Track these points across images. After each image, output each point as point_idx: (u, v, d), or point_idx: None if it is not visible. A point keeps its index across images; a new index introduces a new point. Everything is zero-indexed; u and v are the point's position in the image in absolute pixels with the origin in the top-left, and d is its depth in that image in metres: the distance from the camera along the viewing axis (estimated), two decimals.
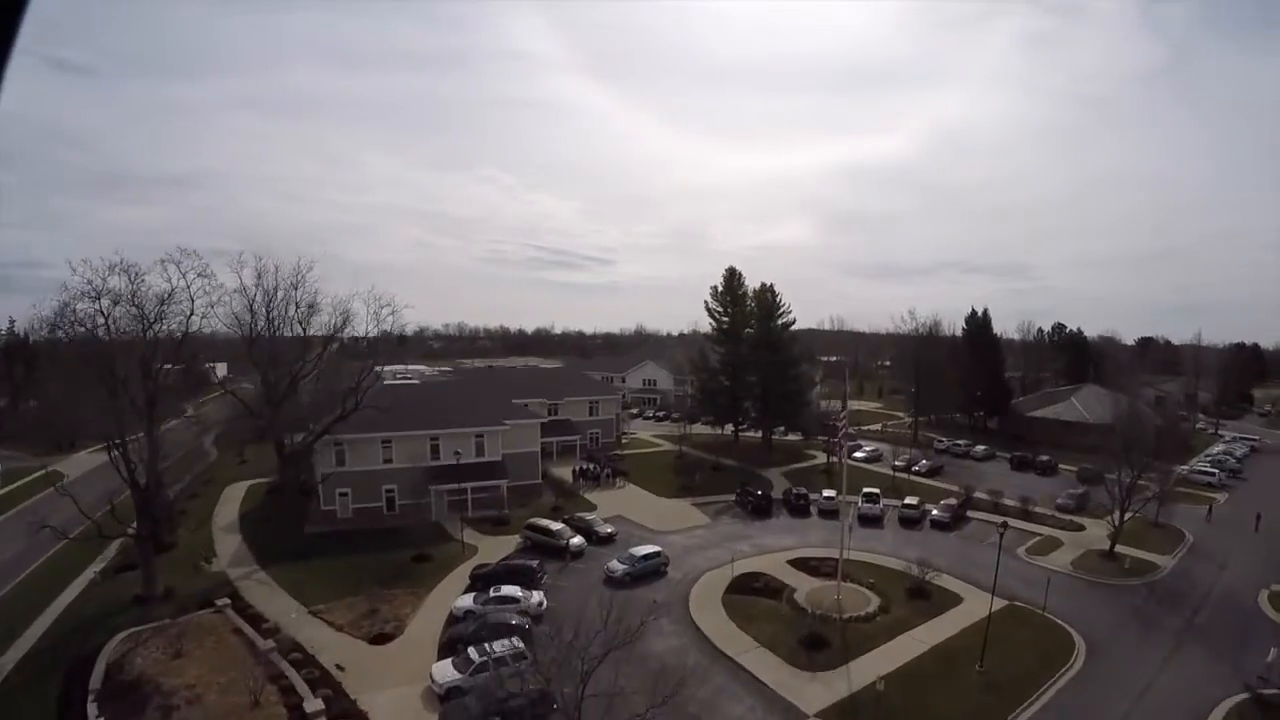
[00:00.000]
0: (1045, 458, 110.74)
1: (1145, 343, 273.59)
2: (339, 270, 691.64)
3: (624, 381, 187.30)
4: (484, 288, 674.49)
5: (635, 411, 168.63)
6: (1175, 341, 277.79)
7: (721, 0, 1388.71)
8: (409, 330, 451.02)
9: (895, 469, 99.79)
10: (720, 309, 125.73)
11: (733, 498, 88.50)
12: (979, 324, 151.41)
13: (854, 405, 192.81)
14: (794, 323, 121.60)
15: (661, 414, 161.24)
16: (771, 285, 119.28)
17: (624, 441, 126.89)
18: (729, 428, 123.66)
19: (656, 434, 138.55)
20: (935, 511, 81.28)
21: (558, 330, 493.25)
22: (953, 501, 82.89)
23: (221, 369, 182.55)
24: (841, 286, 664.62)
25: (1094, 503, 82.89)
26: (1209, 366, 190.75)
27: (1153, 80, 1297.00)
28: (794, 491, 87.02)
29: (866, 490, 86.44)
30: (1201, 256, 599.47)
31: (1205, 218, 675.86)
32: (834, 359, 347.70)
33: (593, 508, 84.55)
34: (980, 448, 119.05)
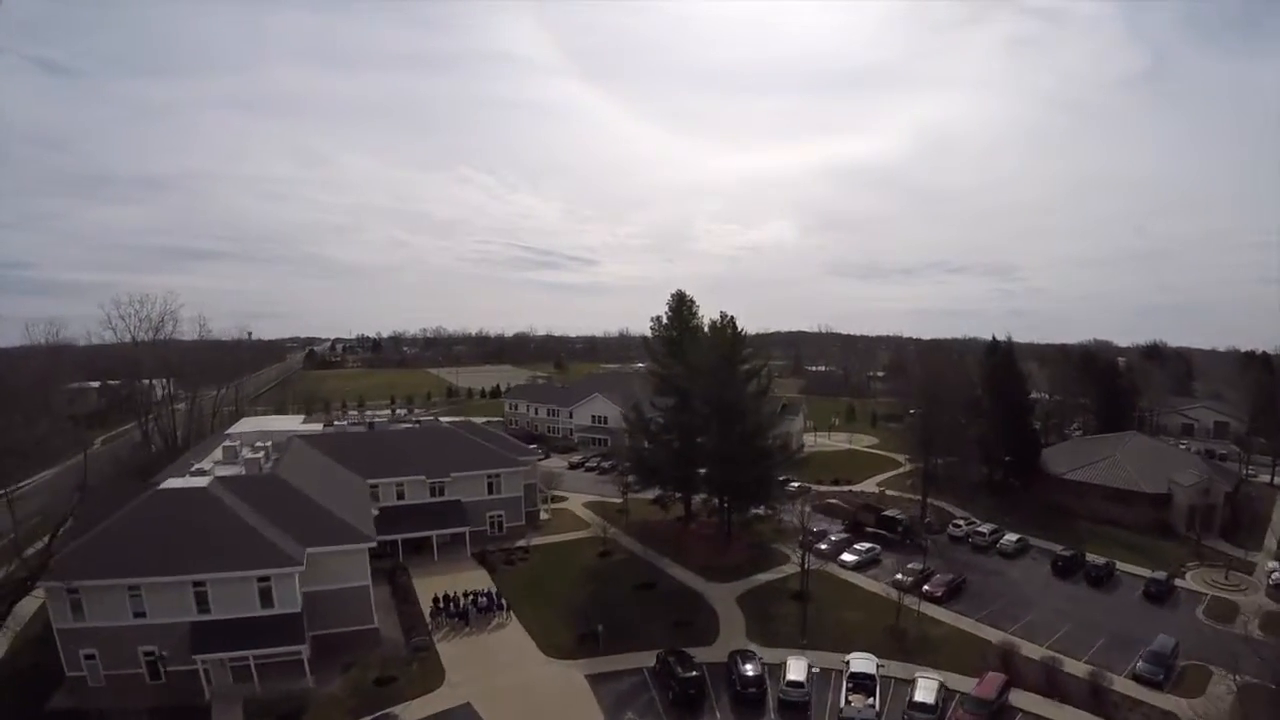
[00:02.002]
0: (1101, 561, 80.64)
1: (1151, 352, 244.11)
2: (322, 270, 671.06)
3: (571, 418, 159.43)
4: (469, 289, 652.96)
5: (577, 460, 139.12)
6: (1170, 344, 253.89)
7: (709, 1, 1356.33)
8: (382, 335, 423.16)
9: (899, 587, 70.09)
10: (664, 349, 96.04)
11: (650, 666, 58.67)
12: (1001, 359, 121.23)
13: (844, 442, 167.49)
14: (762, 371, 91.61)
15: (609, 464, 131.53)
16: (732, 319, 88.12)
17: (540, 520, 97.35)
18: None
19: (591, 499, 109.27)
20: (963, 713, 51.40)
21: (540, 332, 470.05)
22: (989, 696, 52.29)
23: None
24: (828, 286, 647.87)
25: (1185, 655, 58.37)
26: (1226, 380, 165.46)
27: (1135, 84, 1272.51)
28: (742, 668, 56.04)
29: (855, 665, 56.31)
30: (1184, 257, 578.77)
31: (1189, 218, 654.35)
32: (822, 368, 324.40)
33: (432, 681, 56.56)
34: (1010, 538, 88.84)
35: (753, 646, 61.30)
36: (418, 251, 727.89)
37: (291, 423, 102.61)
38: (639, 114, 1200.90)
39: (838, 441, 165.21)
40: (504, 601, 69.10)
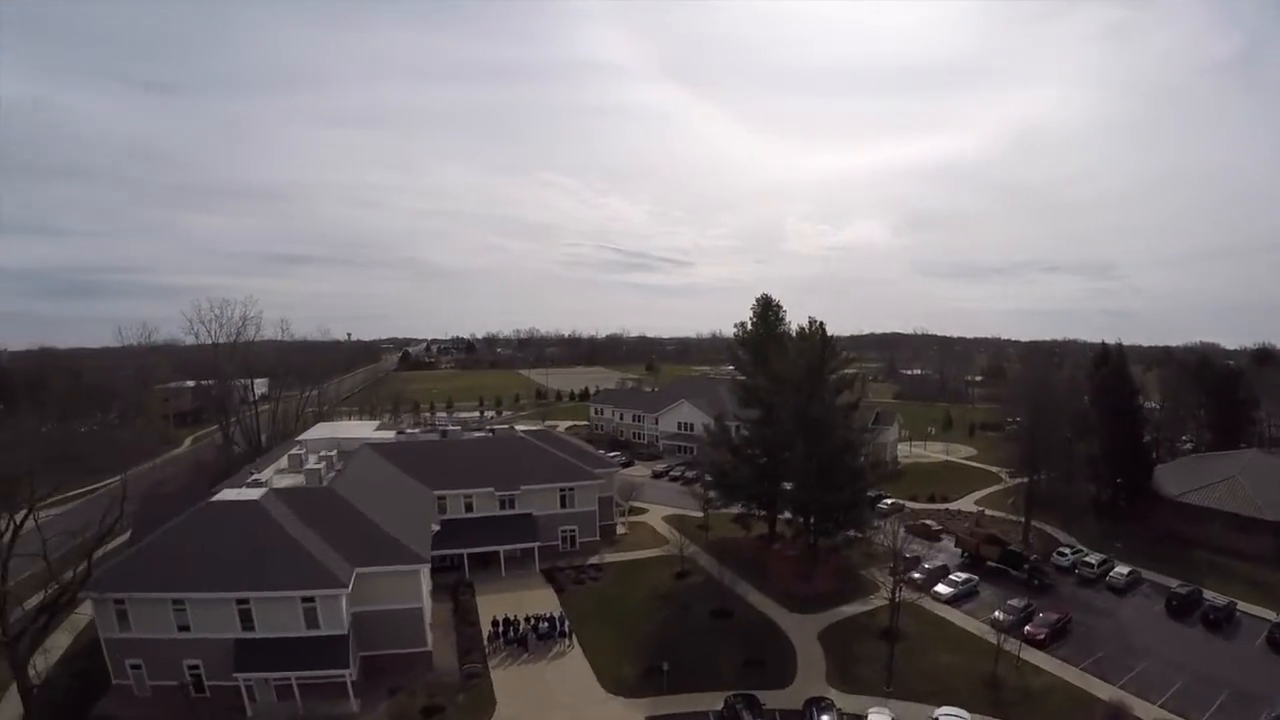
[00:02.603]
0: (1221, 602, 69.97)
1: (1262, 355, 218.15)
2: (419, 273, 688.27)
3: (656, 424, 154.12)
4: (561, 291, 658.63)
5: (660, 469, 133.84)
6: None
7: (794, 4, 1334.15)
8: (476, 337, 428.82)
9: (999, 627, 62.10)
10: (749, 357, 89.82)
11: (718, 710, 52.59)
12: (1112, 367, 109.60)
13: (940, 453, 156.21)
14: (853, 381, 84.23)
15: (692, 474, 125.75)
16: (821, 325, 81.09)
17: (616, 535, 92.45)
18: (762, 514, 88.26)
19: (672, 512, 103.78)
20: None
21: (632, 334, 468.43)
22: None
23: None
24: (920, 287, 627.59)
25: None
26: None
27: (1225, 70, 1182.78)
28: None
29: None
30: None
31: None
32: (918, 372, 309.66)
33: (481, 713, 52.56)
34: (1121, 570, 78.81)
35: (832, 693, 54.91)
36: (511, 255, 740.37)
37: (364, 429, 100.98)
38: (726, 116, 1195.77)
39: (934, 453, 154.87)
40: (567, 627, 64.28)
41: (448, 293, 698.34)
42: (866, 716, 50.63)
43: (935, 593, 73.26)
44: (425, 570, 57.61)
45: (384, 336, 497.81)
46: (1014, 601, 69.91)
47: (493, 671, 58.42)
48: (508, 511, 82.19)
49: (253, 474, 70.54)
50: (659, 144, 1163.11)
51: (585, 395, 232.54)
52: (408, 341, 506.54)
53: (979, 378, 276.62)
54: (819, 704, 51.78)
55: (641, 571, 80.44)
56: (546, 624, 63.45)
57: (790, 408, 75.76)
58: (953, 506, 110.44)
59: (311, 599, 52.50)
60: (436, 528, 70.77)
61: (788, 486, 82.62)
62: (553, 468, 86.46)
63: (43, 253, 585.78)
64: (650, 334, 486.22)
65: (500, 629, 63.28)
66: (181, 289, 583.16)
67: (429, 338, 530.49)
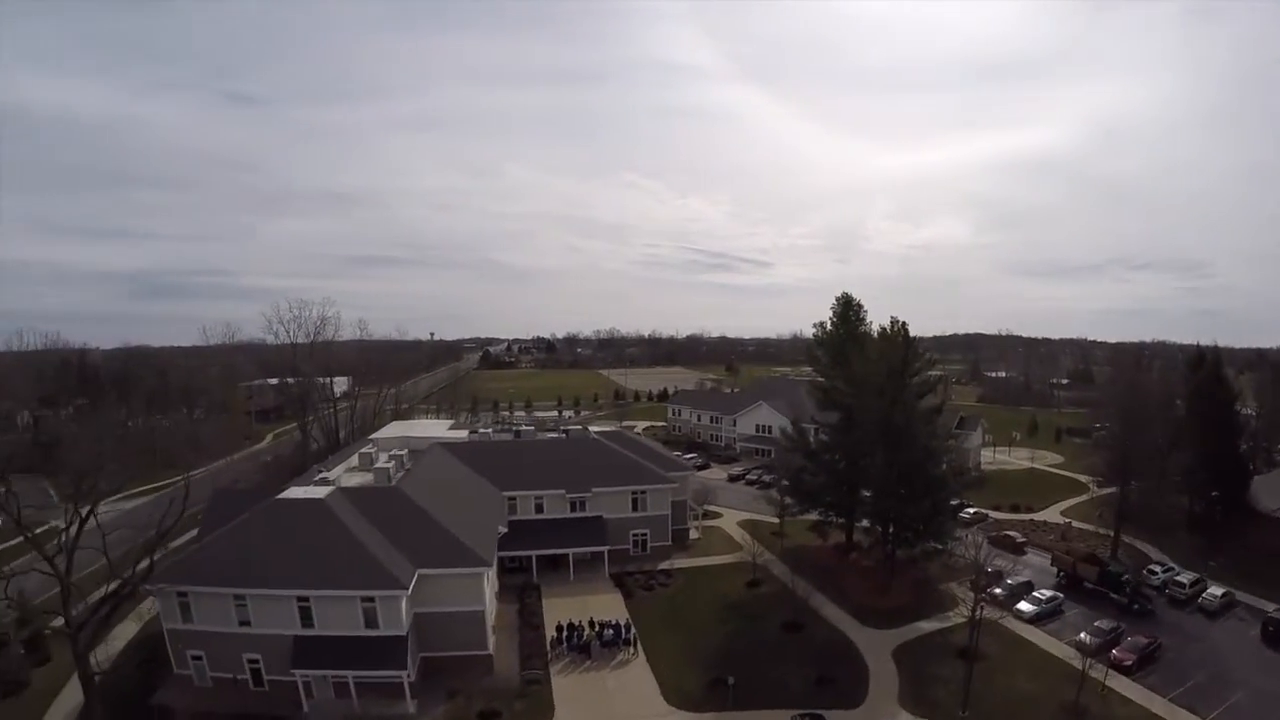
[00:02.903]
0: None
1: None
2: (500, 274, 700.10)
3: (734, 426, 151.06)
4: (641, 291, 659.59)
5: (737, 472, 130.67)
6: None
7: (871, 2, 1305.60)
8: (556, 337, 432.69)
9: (1085, 650, 57.15)
10: (829, 359, 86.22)
11: None
12: (1208, 372, 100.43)
13: (1025, 459, 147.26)
14: (937, 384, 79.87)
15: (769, 478, 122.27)
16: (904, 326, 76.38)
17: (689, 540, 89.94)
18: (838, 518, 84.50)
19: (747, 517, 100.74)
20: None
21: (713, 334, 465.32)
22: None
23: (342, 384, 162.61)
24: (1003, 286, 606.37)
25: None
26: None
27: None
28: None
29: None
30: None
31: None
32: (1002, 374, 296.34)
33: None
34: (1214, 591, 72.12)
35: (904, 716, 51.50)
36: (590, 256, 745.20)
37: (437, 428, 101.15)
38: (805, 114, 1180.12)
39: (1018, 459, 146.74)
40: (633, 634, 62.23)
41: (529, 294, 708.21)
42: None
43: (1017, 611, 68.46)
44: (488, 573, 56.40)
45: (467, 336, 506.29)
46: (1101, 623, 65.04)
47: (554, 678, 56.99)
48: (578, 514, 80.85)
49: (321, 472, 70.62)
50: (738, 144, 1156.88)
51: (664, 396, 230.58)
52: (490, 341, 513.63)
53: (1065, 380, 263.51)
54: None
55: (712, 579, 77.91)
56: (611, 630, 61.66)
57: (871, 412, 71.82)
58: (1038, 517, 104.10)
59: (371, 599, 52.18)
60: (504, 529, 69.85)
61: (866, 494, 78.99)
62: (625, 470, 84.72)
63: (135, 256, 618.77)
64: (731, 334, 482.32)
65: (564, 634, 61.66)
66: (268, 291, 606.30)
67: (510, 338, 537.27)
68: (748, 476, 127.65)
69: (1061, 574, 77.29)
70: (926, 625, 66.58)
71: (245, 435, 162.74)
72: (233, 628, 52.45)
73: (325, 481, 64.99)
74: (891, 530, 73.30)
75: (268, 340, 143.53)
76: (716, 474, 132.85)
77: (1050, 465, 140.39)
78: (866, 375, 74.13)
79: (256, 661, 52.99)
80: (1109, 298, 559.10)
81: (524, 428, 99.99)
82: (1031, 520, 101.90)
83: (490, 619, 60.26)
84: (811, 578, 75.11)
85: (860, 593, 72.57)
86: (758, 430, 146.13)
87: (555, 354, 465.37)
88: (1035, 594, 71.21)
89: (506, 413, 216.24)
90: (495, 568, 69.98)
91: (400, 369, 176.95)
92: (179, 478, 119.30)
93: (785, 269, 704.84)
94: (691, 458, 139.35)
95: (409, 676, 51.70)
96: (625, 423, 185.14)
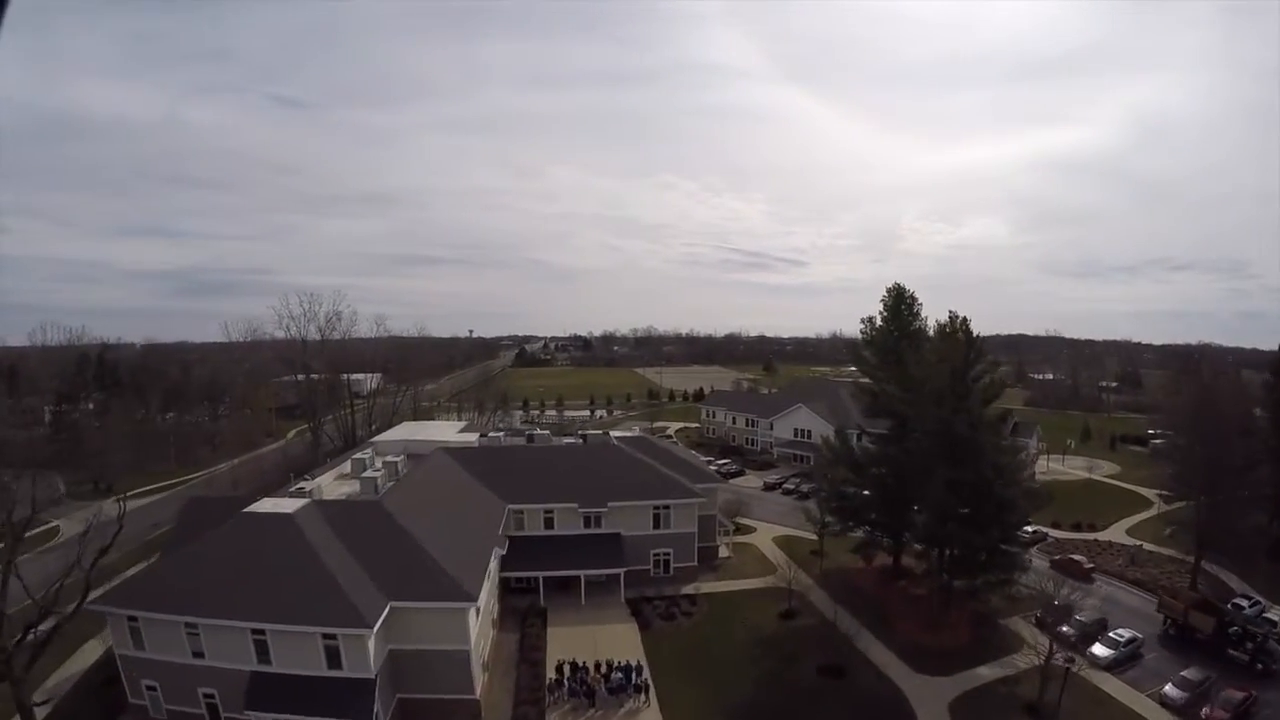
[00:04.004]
0: None
1: None
2: (540, 273, 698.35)
3: (771, 430, 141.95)
4: (679, 290, 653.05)
5: (773, 480, 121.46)
6: None
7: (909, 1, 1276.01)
8: (593, 335, 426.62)
9: (1171, 707, 47.61)
10: (877, 359, 76.86)
11: None
12: None
13: (1081, 469, 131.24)
14: (1003, 389, 70.11)
15: (807, 488, 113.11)
16: (965, 321, 65.84)
17: (717, 559, 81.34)
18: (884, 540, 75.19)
19: (783, 532, 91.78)
20: None
21: (750, 334, 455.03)
22: None
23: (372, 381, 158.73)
24: (1043, 286, 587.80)
25: None
26: None
27: None
28: None
29: None
30: None
31: None
32: (1048, 376, 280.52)
33: None
34: None
35: None
36: (628, 255, 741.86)
37: (447, 430, 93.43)
38: (842, 114, 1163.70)
39: (1074, 468, 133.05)
40: (645, 678, 53.54)
41: (568, 292, 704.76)
42: None
43: (1092, 655, 58.33)
44: (473, 610, 48.04)
45: (505, 334, 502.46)
46: (1188, 673, 54.47)
47: None
48: (593, 530, 72.42)
49: (304, 480, 63.44)
50: (774, 143, 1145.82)
51: (699, 395, 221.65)
52: (527, 339, 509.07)
53: (1114, 384, 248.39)
54: None
55: (742, 607, 69.07)
56: (620, 674, 53.00)
57: (928, 421, 62.09)
58: (1102, 536, 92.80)
59: (334, 636, 44.23)
60: (501, 551, 61.72)
61: (918, 511, 69.84)
62: (648, 482, 75.82)
63: (178, 255, 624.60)
64: (769, 334, 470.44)
65: (566, 676, 53.27)
66: (307, 288, 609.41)
67: (548, 335, 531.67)
68: (784, 485, 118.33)
69: (1168, 622, 65.19)
70: (987, 672, 56.61)
71: (267, 432, 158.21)
72: (186, 658, 45.56)
73: (301, 493, 57.59)
74: (950, 557, 63.47)
75: (277, 335, 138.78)
76: (751, 481, 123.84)
77: (1107, 476, 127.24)
78: (923, 378, 64.32)
79: (212, 696, 46.04)
80: (1151, 299, 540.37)
81: (539, 432, 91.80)
82: (1096, 540, 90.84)
83: (480, 655, 52.32)
84: (854, 609, 66.30)
85: (910, 629, 63.15)
86: (796, 435, 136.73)
87: (591, 352, 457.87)
88: (1112, 635, 60.84)
89: (537, 411, 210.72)
90: (494, 591, 62.64)
91: (422, 367, 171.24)
92: (195, 475, 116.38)
93: (821, 268, 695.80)
94: (725, 464, 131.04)
95: None
96: (657, 424, 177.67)
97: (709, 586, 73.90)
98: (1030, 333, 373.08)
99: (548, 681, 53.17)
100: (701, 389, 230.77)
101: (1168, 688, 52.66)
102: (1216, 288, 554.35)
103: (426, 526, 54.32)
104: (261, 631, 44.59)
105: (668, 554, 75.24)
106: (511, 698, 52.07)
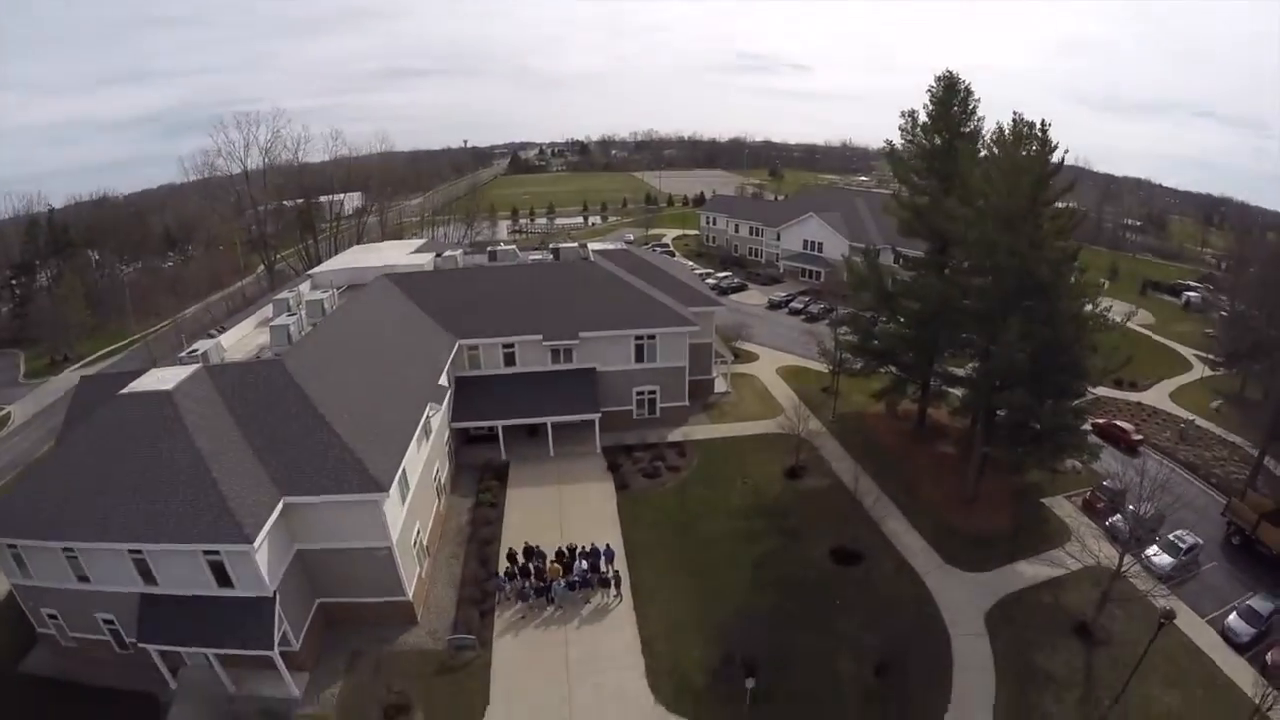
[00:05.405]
0: None
1: None
2: (534, 81, 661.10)
3: (778, 240, 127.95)
4: (681, 94, 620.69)
5: (779, 298, 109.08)
6: None
7: None
8: (591, 139, 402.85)
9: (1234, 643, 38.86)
10: (922, 165, 60.81)
11: None
12: None
13: (1114, 315, 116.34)
14: (1080, 220, 54.03)
15: (817, 308, 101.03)
16: (1043, 126, 47.02)
17: (713, 394, 70.43)
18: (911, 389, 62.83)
19: (789, 362, 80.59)
20: None
21: (756, 139, 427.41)
22: None
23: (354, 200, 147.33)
24: (1061, 114, 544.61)
25: None
26: None
27: None
28: None
29: None
30: None
31: None
32: (1072, 204, 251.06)
33: None
34: None
35: None
36: (626, 60, 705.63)
37: (399, 252, 79.12)
38: None
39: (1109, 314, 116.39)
40: (616, 572, 43.40)
41: (565, 98, 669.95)
42: None
43: (1148, 560, 46.24)
44: (387, 500, 36.77)
45: (500, 142, 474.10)
46: (1254, 602, 42.96)
47: (496, 640, 39.27)
48: (562, 366, 60.88)
49: (207, 337, 51.83)
50: None
51: (700, 201, 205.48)
52: (523, 146, 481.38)
53: (1138, 223, 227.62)
54: None
55: (740, 459, 58.68)
56: (585, 563, 42.84)
57: (1000, 254, 45.83)
58: (1145, 400, 76.42)
59: (215, 553, 33.47)
60: (439, 407, 49.91)
61: (957, 360, 58.10)
62: (629, 306, 62.86)
63: (163, 97, 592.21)
64: (776, 139, 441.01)
65: (518, 567, 43.18)
66: (294, 112, 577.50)
67: (545, 141, 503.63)
68: (792, 304, 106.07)
69: (1232, 528, 51.78)
70: (1028, 570, 45.90)
71: (234, 270, 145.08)
72: (73, 584, 36.20)
73: (194, 356, 45.32)
74: (997, 420, 51.05)
75: (219, 173, 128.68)
76: (754, 298, 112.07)
77: (1142, 325, 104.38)
78: (992, 194, 47.61)
79: (112, 622, 37.45)
80: (1172, 144, 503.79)
81: (503, 248, 78.05)
82: (1140, 404, 74.85)
83: (418, 541, 42.38)
84: (872, 469, 55.96)
85: (939, 502, 52.73)
86: (806, 247, 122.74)
87: (588, 157, 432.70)
88: (1171, 537, 48.24)
89: (527, 220, 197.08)
90: (443, 449, 52.64)
91: (392, 180, 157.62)
92: (160, 325, 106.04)
93: (826, 73, 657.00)
94: (725, 277, 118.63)
95: (293, 644, 35.93)
96: (653, 231, 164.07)
97: (701, 432, 63.49)
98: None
99: (503, 570, 43.34)
100: (702, 194, 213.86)
101: (1231, 618, 41.95)
102: (1238, 145, 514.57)
103: (339, 388, 42.47)
104: (139, 552, 34.22)
105: (653, 393, 64.06)
106: (455, 593, 42.58)
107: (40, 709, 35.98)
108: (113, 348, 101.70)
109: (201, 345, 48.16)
